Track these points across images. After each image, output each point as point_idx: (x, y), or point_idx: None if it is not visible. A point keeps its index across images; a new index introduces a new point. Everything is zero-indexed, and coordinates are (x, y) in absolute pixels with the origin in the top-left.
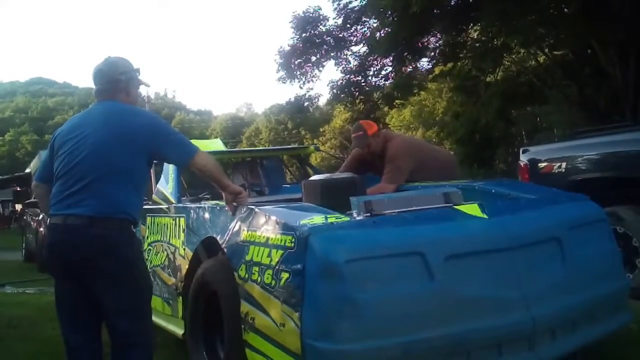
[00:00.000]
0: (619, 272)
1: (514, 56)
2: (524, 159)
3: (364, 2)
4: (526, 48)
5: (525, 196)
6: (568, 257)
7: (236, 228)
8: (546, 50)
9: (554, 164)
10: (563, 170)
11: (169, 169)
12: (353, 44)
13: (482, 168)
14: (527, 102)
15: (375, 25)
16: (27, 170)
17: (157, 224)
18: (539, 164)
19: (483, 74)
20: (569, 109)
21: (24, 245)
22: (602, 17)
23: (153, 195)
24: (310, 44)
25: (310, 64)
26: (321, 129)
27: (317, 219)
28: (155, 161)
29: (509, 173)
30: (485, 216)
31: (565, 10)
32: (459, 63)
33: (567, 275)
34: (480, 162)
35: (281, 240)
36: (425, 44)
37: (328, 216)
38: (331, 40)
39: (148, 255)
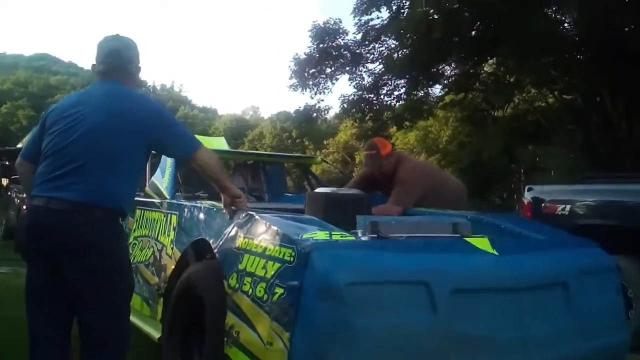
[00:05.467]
0: (622, 325)
1: (524, 95)
2: (528, 196)
3: (386, 21)
4: (537, 88)
5: (535, 236)
6: (573, 304)
7: (232, 233)
8: (556, 93)
9: (557, 206)
10: (567, 212)
11: (167, 162)
12: (369, 61)
13: (480, 200)
14: (532, 141)
15: (393, 45)
16: (19, 145)
17: (147, 219)
18: (543, 204)
19: (492, 108)
20: (568, 153)
21: (4, 221)
22: (614, 67)
23: (146, 188)
24: (327, 55)
25: (324, 75)
26: (325, 142)
27: (321, 234)
28: (153, 152)
29: (504, 208)
30: (495, 252)
31: (579, 56)
32: (470, 94)
33: (571, 322)
34: (479, 194)
35: (280, 252)
36: (441, 71)
37: (333, 233)
38: (348, 55)
39: (132, 250)
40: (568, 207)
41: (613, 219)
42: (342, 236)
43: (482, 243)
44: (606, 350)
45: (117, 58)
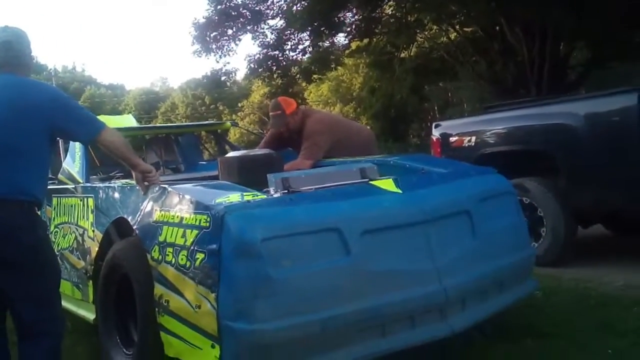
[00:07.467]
0: (525, 242)
1: (426, 33)
2: (436, 133)
3: None
4: (438, 24)
5: (437, 170)
6: (477, 229)
7: (148, 208)
8: (457, 27)
9: (464, 138)
10: (473, 144)
11: (76, 147)
12: (270, 17)
13: (397, 142)
14: (439, 78)
15: None
16: None
17: (64, 205)
18: (450, 138)
19: (397, 50)
20: (477, 84)
21: None
22: None
23: (59, 175)
24: (226, 16)
25: (226, 37)
26: (239, 104)
27: (233, 197)
28: (58, 138)
29: (422, 147)
30: (399, 191)
31: None
32: (374, 39)
33: (477, 246)
34: (395, 136)
35: (196, 220)
36: (342, 19)
37: (244, 194)
38: (247, 13)
39: (55, 238)
40: (474, 138)
41: (516, 144)
42: (253, 196)
43: (386, 184)
44: (514, 267)
45: (9, 50)
